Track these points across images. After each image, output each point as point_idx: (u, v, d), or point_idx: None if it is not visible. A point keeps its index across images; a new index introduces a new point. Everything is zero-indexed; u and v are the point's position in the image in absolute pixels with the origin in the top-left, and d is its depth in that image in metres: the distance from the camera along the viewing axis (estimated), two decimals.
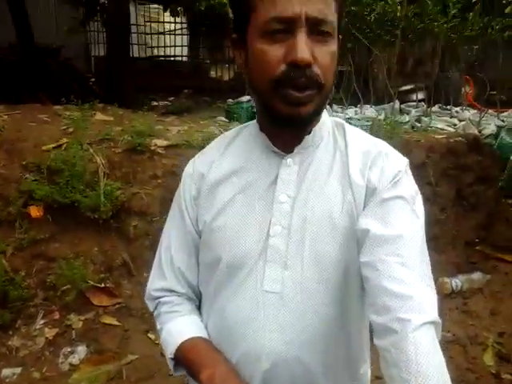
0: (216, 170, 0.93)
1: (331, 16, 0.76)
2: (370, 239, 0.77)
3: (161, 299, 0.96)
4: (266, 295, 0.83)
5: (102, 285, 2.72)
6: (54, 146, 2.99)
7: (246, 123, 0.98)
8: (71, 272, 2.52)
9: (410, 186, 0.83)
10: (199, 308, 0.98)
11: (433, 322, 0.70)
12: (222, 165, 0.93)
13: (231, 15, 0.86)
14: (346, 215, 0.83)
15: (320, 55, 0.76)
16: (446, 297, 3.28)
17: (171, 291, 0.96)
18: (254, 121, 0.94)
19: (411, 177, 0.86)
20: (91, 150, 3.01)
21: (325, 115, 0.89)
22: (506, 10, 5.23)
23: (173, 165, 3.05)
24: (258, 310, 0.84)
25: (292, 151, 0.87)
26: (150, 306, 0.99)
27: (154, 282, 0.98)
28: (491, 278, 3.47)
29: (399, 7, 5.89)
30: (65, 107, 4.02)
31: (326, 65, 0.77)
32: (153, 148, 3.08)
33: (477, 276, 3.45)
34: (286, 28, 0.74)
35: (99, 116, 3.82)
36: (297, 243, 0.83)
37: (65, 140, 3.09)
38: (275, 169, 0.87)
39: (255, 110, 0.91)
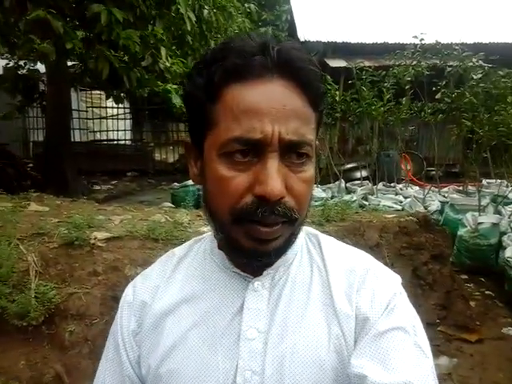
0: (162, 298, 0.72)
1: (310, 134, 0.61)
2: None
3: None
4: None
5: None
6: None
7: (199, 237, 0.79)
8: None
9: (408, 312, 0.67)
10: None
11: None
12: (170, 291, 0.73)
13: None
14: (334, 354, 0.64)
15: (295, 184, 0.60)
16: None
17: None
18: (209, 234, 0.75)
19: (406, 297, 0.69)
20: (21, 247, 2.69)
21: None
22: (437, 96, 5.60)
23: (115, 259, 2.77)
24: None
25: (260, 273, 0.68)
26: None
27: None
28: (458, 362, 3.32)
29: (338, 92, 6.19)
30: None
31: (301, 195, 0.61)
32: (92, 241, 2.80)
33: (443, 361, 3.30)
34: (252, 150, 0.58)
35: (33, 207, 3.52)
36: None
37: None
38: (239, 295, 0.68)
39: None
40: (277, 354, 0.64)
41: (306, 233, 0.76)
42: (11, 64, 7.04)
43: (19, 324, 2.44)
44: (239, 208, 0.59)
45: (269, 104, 0.58)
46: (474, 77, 5.40)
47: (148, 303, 0.73)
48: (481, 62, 5.89)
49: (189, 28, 5.60)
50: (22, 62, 7.00)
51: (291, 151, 0.59)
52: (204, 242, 0.77)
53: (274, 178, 0.57)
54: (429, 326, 3.66)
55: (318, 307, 0.67)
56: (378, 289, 0.67)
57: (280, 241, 0.62)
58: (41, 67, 6.93)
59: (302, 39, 10.32)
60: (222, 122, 0.59)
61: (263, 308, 0.67)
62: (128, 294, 0.77)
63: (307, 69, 0.61)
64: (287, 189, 0.59)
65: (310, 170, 0.62)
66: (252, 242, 0.61)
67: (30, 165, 8.52)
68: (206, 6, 6.64)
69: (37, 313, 2.46)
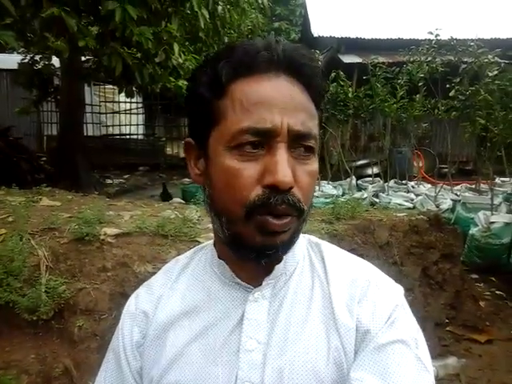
0: (165, 309, 0.72)
1: (315, 129, 0.63)
2: None
3: None
4: None
5: None
6: None
7: (203, 244, 0.79)
8: None
9: (409, 324, 0.66)
10: None
11: None
12: (172, 301, 0.73)
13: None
14: (334, 366, 0.64)
15: (301, 176, 0.61)
16: None
17: None
18: (211, 243, 0.75)
19: (408, 309, 0.68)
20: (33, 242, 2.72)
21: None
22: (450, 94, 5.53)
23: (124, 255, 2.79)
24: None
25: (260, 283, 0.68)
26: None
27: None
28: (466, 363, 3.30)
29: (351, 89, 6.14)
30: (7, 192, 3.75)
31: (306, 187, 0.62)
32: (102, 237, 2.83)
33: (451, 361, 3.27)
34: (261, 142, 0.59)
35: (45, 201, 3.56)
36: None
37: (3, 231, 2.80)
38: (240, 306, 0.68)
39: (211, 223, 0.71)
40: (276, 366, 0.64)
41: (308, 242, 0.76)
42: (27, 59, 7.11)
43: (29, 318, 2.48)
44: (252, 200, 0.60)
45: (278, 96, 0.60)
46: (490, 74, 5.30)
47: (150, 314, 0.73)
48: (497, 58, 5.78)
49: (202, 25, 5.61)
50: (37, 57, 7.07)
51: (298, 143, 0.61)
52: (206, 250, 0.77)
53: (284, 167, 0.58)
54: (438, 325, 3.64)
55: (318, 319, 0.67)
56: (379, 301, 0.66)
57: (288, 234, 0.62)
58: (56, 61, 6.99)
59: (315, 35, 10.24)
60: (230, 115, 0.61)
61: (263, 319, 0.67)
62: (130, 304, 0.77)
63: (311, 67, 0.63)
64: (295, 180, 0.60)
65: (314, 164, 0.64)
66: (262, 235, 0.61)
67: (44, 159, 8.62)
68: (219, 2, 6.64)
69: (47, 307, 2.50)
